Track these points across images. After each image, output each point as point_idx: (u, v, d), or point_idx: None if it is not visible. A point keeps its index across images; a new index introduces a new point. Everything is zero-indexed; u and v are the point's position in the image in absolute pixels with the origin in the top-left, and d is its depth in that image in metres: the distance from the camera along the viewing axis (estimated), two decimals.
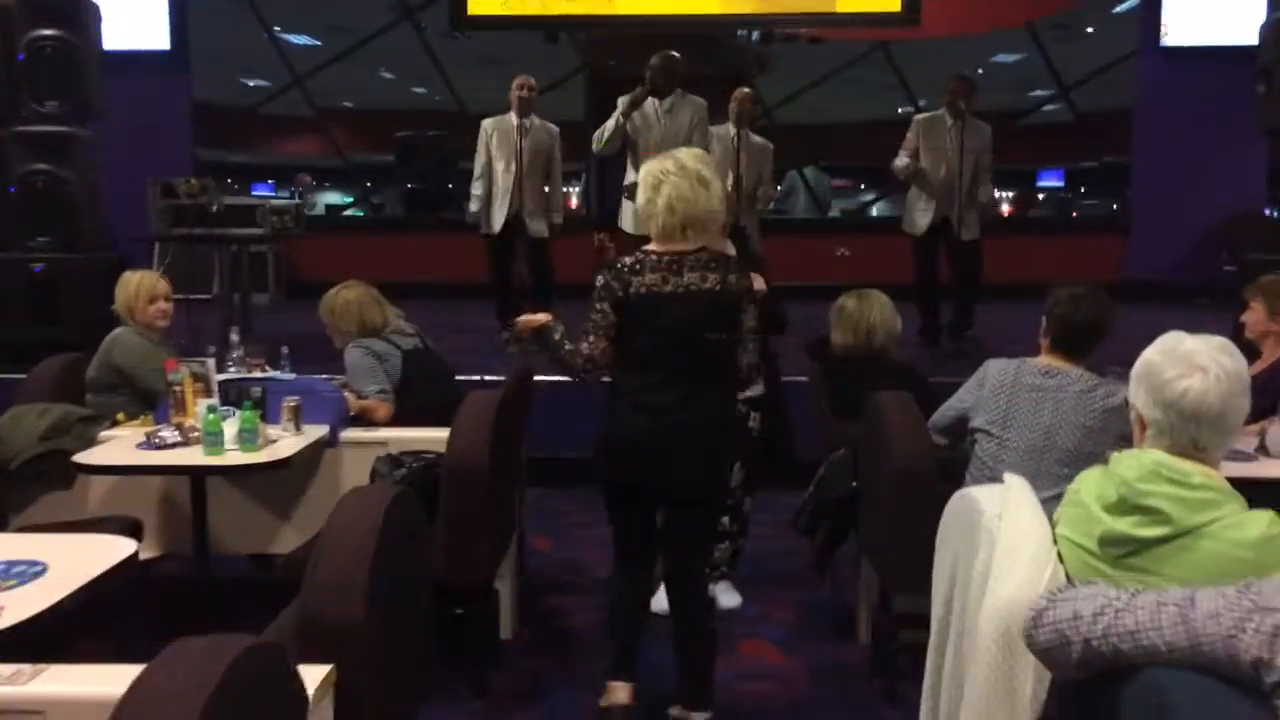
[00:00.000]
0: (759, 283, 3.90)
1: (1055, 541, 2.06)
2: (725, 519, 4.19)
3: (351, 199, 12.83)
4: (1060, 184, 18.89)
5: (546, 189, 6.78)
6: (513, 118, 6.66)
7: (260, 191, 21.25)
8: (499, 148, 6.67)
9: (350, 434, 3.85)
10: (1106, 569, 1.96)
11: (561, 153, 6.91)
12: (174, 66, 9.34)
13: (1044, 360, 3.27)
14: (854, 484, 3.65)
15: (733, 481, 4.16)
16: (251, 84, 14.22)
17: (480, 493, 3.28)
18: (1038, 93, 14.39)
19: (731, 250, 4.14)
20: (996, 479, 3.25)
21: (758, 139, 6.72)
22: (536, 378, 5.53)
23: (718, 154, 6.05)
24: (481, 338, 7.15)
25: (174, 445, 3.45)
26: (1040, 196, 16.96)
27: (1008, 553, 2.04)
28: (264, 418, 3.64)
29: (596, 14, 8.97)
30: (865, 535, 3.69)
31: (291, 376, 3.93)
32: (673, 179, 2.97)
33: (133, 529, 3.65)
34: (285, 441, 3.56)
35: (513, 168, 6.60)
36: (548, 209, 6.85)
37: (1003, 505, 2.17)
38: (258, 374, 4.02)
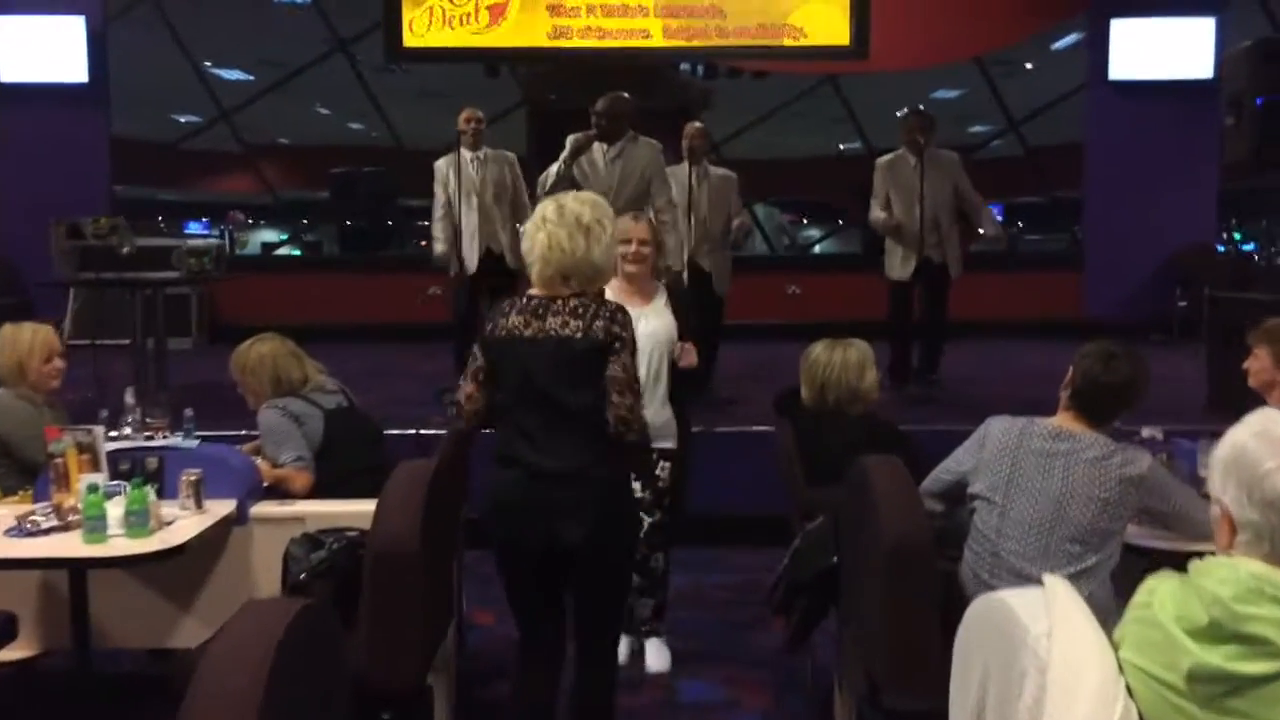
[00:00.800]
0: (689, 357, 3.56)
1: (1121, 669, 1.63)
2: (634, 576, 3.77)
3: (285, 236, 12.27)
4: (999, 219, 18.86)
5: (517, 224, 6.31)
6: (464, 153, 6.18)
7: (193, 229, 20.58)
8: (456, 186, 6.18)
9: (262, 509, 3.33)
10: (1195, 710, 1.53)
11: (523, 177, 6.37)
12: (91, 99, 8.71)
13: (1056, 420, 2.85)
14: (834, 559, 3.20)
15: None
16: (184, 120, 13.64)
17: (410, 583, 2.78)
18: (977, 128, 14.30)
19: (661, 295, 3.78)
20: (999, 554, 2.86)
21: (719, 170, 6.30)
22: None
23: (676, 195, 5.62)
24: (419, 384, 6.63)
25: (49, 531, 2.91)
26: (981, 231, 16.83)
27: (1063, 685, 1.60)
28: (161, 493, 3.14)
29: (538, 46, 8.50)
30: (848, 616, 3.24)
31: (195, 443, 3.40)
32: (549, 226, 2.72)
33: (6, 625, 3.10)
34: (183, 522, 3.03)
35: (473, 203, 6.11)
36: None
37: (1050, 619, 1.72)
38: (158, 440, 3.48)
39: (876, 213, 6.27)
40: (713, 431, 5.30)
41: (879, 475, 2.93)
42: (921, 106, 8.85)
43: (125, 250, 5.51)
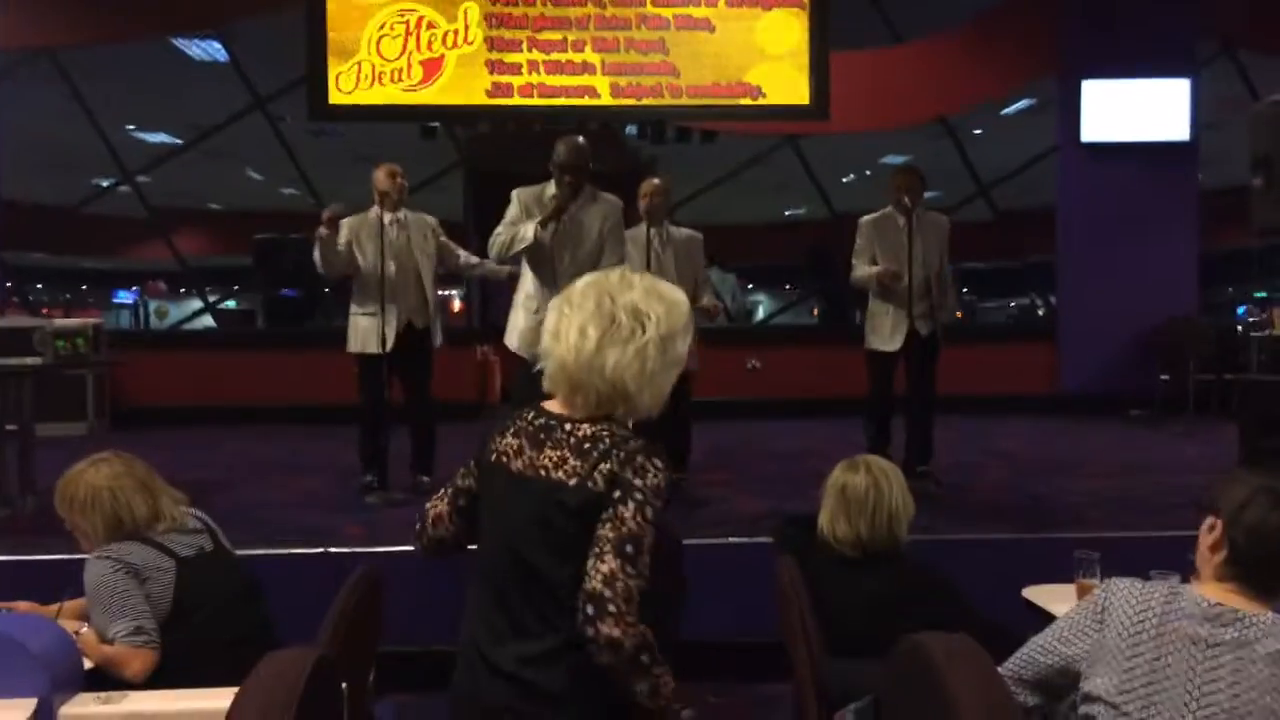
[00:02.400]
0: None
1: None
2: None
3: (201, 306, 11.12)
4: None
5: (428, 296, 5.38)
6: (377, 213, 5.18)
7: (122, 297, 19.24)
8: (368, 250, 5.18)
9: (77, 708, 2.29)
10: None
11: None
12: None
13: (1211, 591, 1.93)
14: None
15: None
16: (105, 184, 12.54)
17: None
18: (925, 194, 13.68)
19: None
20: None
21: (684, 231, 5.42)
22: (398, 548, 4.12)
23: (635, 261, 4.75)
24: (338, 480, 5.59)
25: None
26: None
27: None
28: None
29: (476, 105, 7.62)
30: None
31: None
32: (565, 310, 1.89)
33: None
34: None
35: (390, 270, 5.09)
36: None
37: None
38: None
39: (865, 268, 5.36)
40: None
41: (955, 666, 1.96)
42: (869, 172, 8.11)
43: None
